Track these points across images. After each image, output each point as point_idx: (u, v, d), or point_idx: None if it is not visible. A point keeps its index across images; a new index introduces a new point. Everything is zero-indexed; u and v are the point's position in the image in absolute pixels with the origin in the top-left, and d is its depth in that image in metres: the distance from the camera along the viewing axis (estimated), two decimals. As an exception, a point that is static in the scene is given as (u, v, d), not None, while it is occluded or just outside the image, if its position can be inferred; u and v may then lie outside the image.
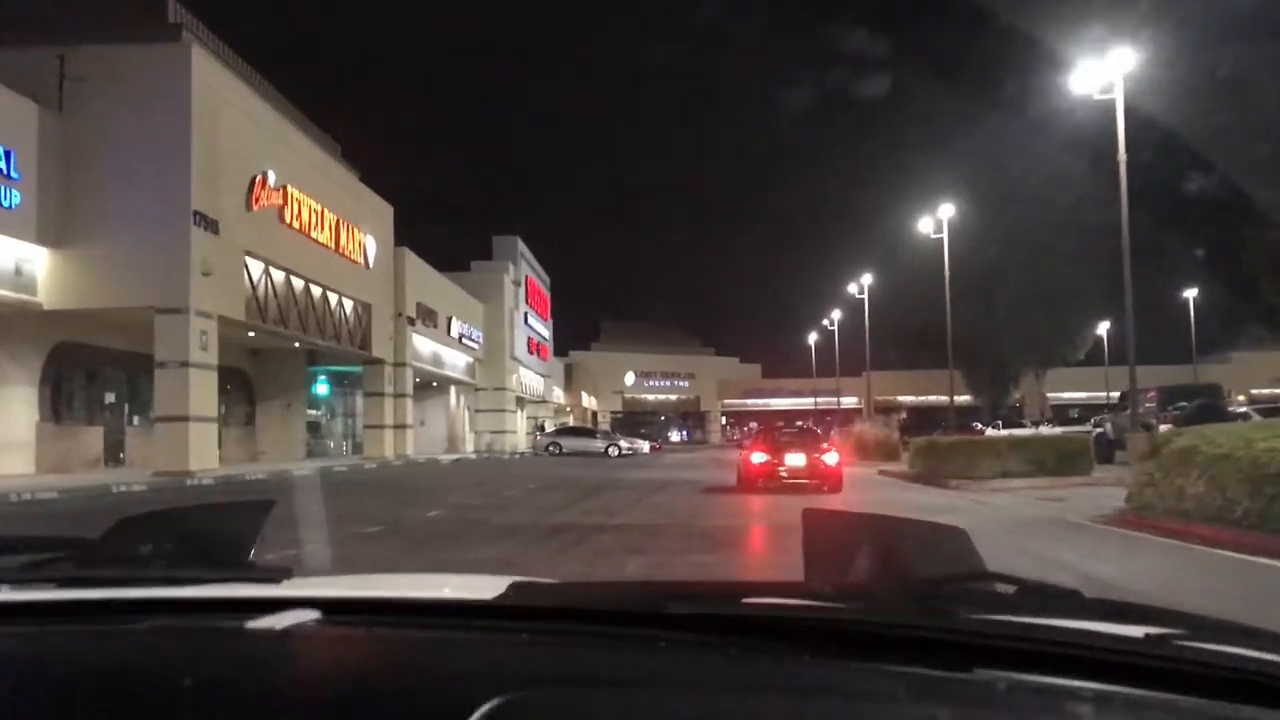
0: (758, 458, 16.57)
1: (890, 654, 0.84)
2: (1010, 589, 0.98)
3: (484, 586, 1.09)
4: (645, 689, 0.81)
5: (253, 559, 1.31)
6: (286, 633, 0.96)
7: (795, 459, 16.34)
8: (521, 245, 52.11)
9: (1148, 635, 0.86)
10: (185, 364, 19.68)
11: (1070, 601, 0.97)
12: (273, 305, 24.40)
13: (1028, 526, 11.47)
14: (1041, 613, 0.89)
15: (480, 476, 23.70)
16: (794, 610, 0.95)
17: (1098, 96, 22.96)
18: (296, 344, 28.43)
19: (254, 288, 23.30)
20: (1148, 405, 25.62)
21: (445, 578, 1.39)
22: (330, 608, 1.04)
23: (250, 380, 31.26)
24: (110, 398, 24.04)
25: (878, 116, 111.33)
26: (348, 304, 29.88)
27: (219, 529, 1.42)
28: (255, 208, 22.91)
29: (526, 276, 52.98)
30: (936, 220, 37.09)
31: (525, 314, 52.53)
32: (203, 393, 20.26)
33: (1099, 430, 27.44)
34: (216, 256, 20.83)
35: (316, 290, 27.32)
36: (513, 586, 1.07)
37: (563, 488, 18.66)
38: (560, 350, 70.41)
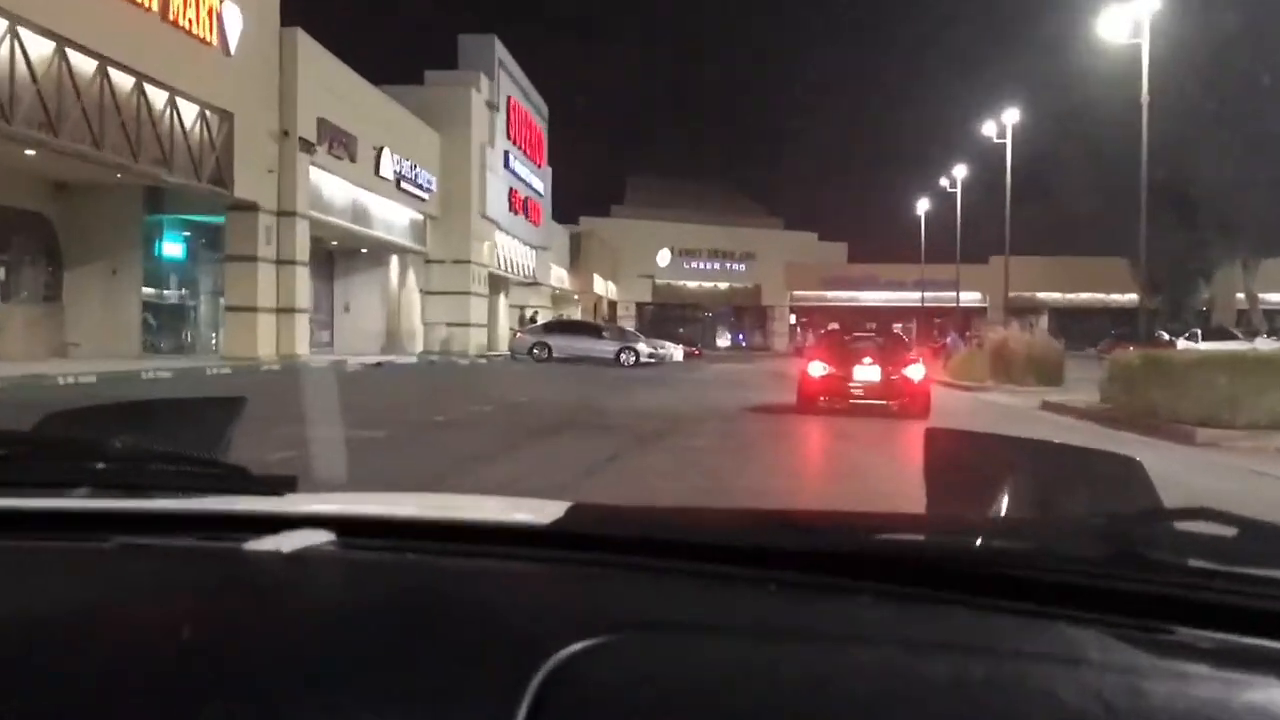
0: (818, 369, 16.99)
1: (1068, 604, 0.85)
2: (1229, 530, 0.94)
3: (534, 509, 1.11)
4: (760, 640, 0.81)
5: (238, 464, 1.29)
6: (296, 557, 0.97)
7: (868, 373, 16.73)
8: (501, 49, 46.38)
9: None
10: None
11: None
12: (29, 94, 18.98)
13: None
14: (1270, 562, 0.88)
15: (373, 398, 18.21)
16: (955, 549, 0.95)
17: None
18: (119, 175, 23.35)
19: (-18, 60, 17.81)
20: None
21: (483, 499, 1.32)
22: (347, 528, 1.06)
23: (54, 231, 26.40)
24: None
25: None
26: (189, 109, 24.55)
27: (179, 430, 1.43)
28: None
29: (509, 98, 47.80)
30: (1135, 22, 30.90)
31: (507, 154, 47.50)
32: None
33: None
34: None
35: (125, 80, 21.84)
36: (573, 509, 1.09)
37: (492, 425, 14.10)
38: (566, 215, 66.92)
